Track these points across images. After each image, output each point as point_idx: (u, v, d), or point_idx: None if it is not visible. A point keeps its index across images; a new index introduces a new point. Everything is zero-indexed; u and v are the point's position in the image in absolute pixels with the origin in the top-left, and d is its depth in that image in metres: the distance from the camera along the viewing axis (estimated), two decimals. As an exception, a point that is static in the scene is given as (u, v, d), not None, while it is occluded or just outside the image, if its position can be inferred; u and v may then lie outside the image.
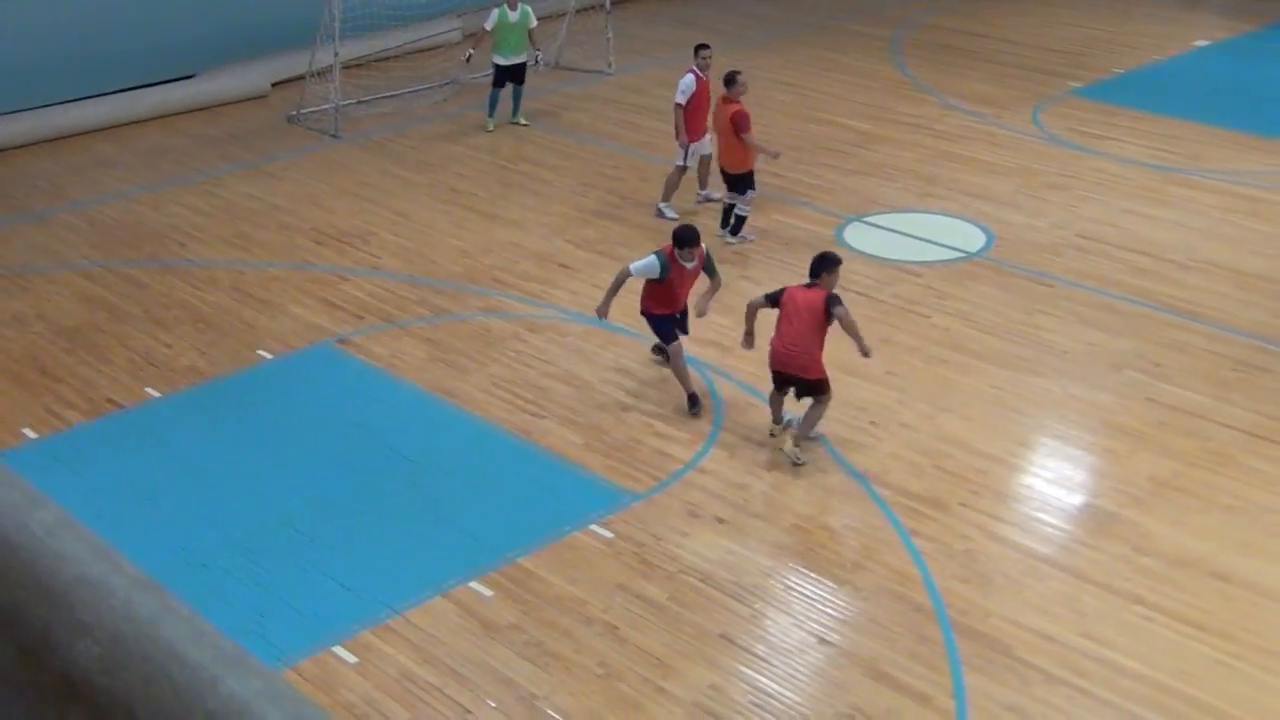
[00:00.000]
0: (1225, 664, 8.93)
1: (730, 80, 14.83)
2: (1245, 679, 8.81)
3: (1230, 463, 11.12)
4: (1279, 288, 14.15)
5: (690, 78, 15.50)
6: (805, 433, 11.18)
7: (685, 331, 12.03)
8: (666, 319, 11.83)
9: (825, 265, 11.09)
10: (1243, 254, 14.95)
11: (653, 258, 11.65)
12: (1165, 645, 9.09)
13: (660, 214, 15.92)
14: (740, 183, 15.02)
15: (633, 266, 11.76)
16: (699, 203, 16.19)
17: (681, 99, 15.44)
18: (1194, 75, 22.19)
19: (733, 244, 15.07)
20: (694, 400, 11.74)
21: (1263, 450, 11.28)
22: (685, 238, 11.57)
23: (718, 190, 15.93)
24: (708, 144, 15.77)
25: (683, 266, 11.63)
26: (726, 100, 14.84)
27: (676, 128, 15.57)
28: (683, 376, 11.78)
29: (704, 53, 15.62)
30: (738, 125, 14.66)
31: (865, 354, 11.20)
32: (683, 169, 15.79)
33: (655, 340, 12.31)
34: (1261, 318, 13.50)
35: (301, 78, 19.57)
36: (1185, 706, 8.56)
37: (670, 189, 15.93)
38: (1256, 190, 16.76)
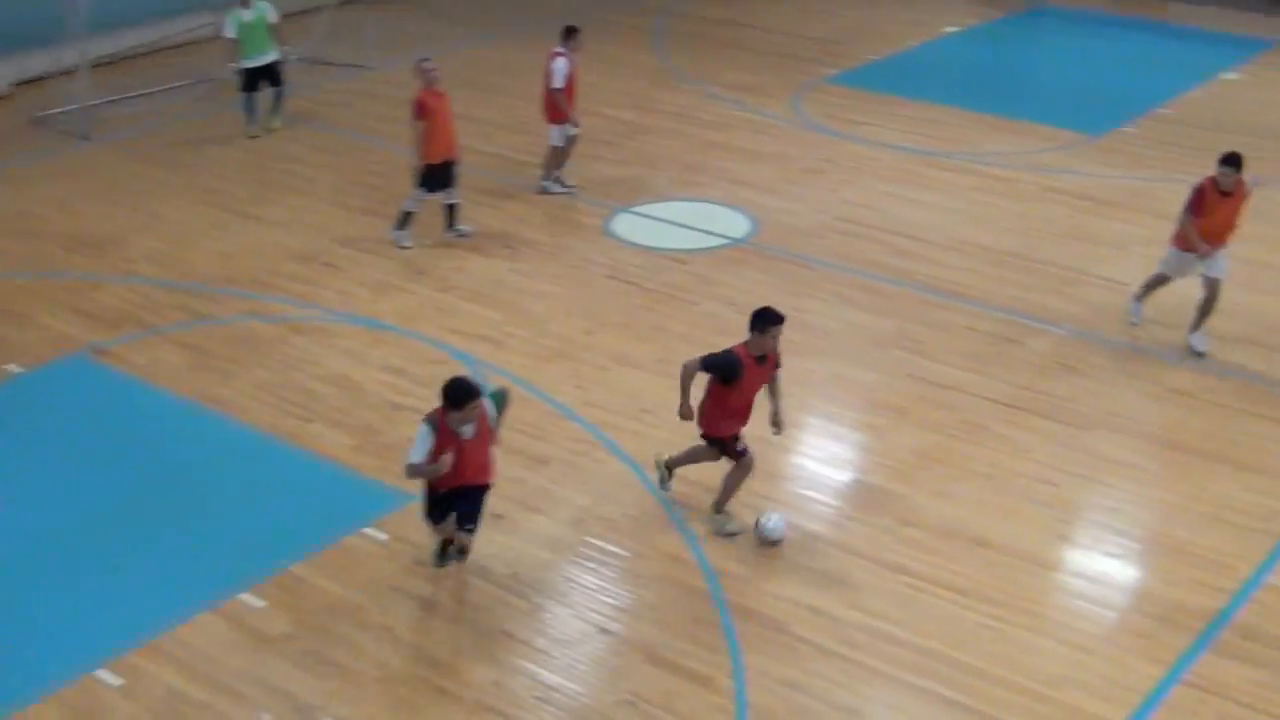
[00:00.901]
0: (990, 627, 9.25)
1: (421, 71, 14.40)
2: (1010, 640, 9.14)
3: (987, 433, 11.53)
4: (1031, 264, 14.71)
5: (563, 61, 15.70)
6: (721, 500, 10.25)
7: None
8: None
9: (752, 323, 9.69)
10: (996, 232, 15.50)
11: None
12: (933, 613, 9.37)
13: (545, 191, 16.30)
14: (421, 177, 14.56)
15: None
16: (537, 191, 16.37)
17: (559, 82, 15.67)
18: (944, 61, 22.93)
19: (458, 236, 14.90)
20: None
21: (1016, 420, 11.72)
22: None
23: (570, 179, 16.39)
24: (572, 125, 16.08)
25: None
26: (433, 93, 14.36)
27: (553, 108, 15.81)
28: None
29: (575, 36, 15.84)
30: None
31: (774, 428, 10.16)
32: (560, 148, 16.11)
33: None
34: (1015, 293, 14.02)
35: (46, 77, 18.76)
36: (955, 671, 8.84)
37: (551, 166, 16.29)
38: (1007, 171, 17.40)
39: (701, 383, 9.96)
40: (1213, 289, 12.76)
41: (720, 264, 14.61)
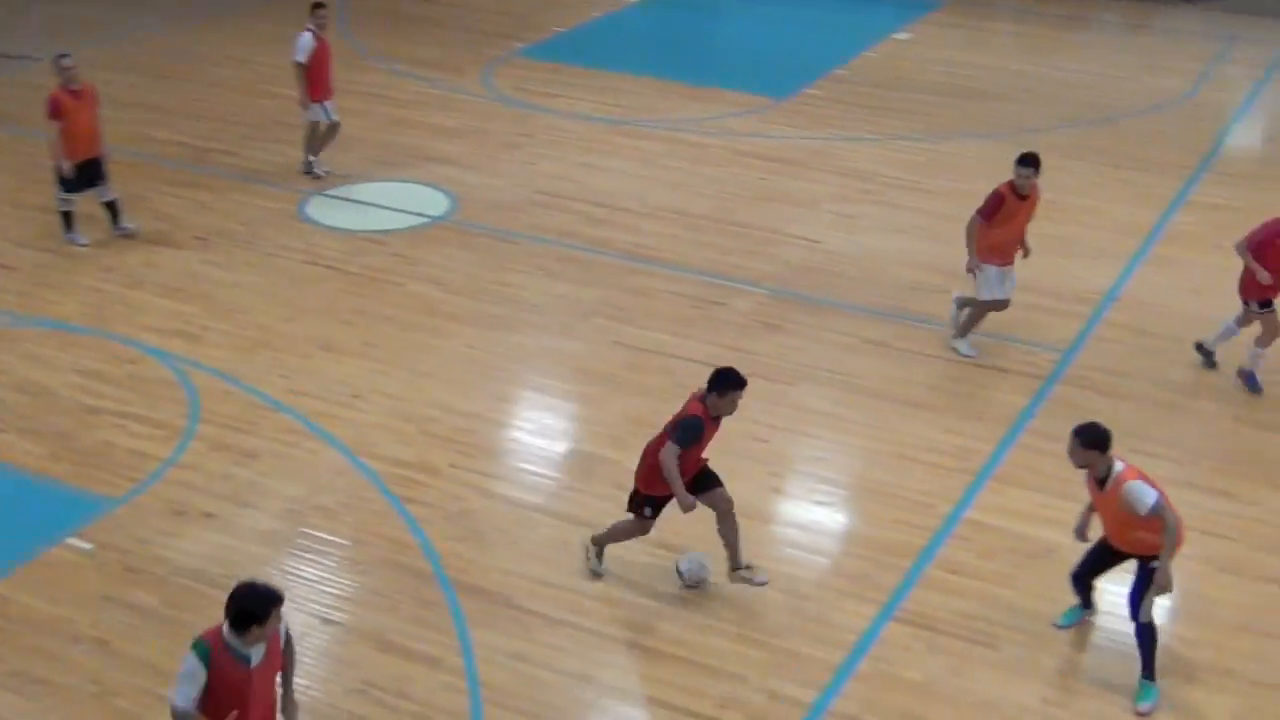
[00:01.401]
0: (712, 583, 9.45)
1: (59, 68, 13.72)
2: (733, 592, 9.35)
3: (697, 394, 11.76)
4: (727, 227, 15.05)
5: (308, 36, 15.35)
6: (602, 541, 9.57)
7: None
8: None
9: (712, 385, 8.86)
10: (691, 197, 15.79)
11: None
12: (657, 574, 9.51)
13: (310, 170, 15.89)
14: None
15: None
16: (305, 171, 15.95)
17: (301, 57, 15.28)
18: (629, 30, 23.23)
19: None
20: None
21: (724, 379, 12.00)
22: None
23: (325, 165, 15.99)
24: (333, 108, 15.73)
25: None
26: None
27: (300, 86, 15.40)
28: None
29: (320, 12, 15.45)
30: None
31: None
32: (318, 124, 15.77)
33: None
34: (712, 255, 14.32)
35: None
36: (680, 628, 9.00)
37: (314, 144, 15.89)
38: (697, 136, 17.74)
39: (639, 436, 9.69)
40: (995, 309, 12.34)
41: (421, 243, 14.46)
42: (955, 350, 12.50)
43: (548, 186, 16.02)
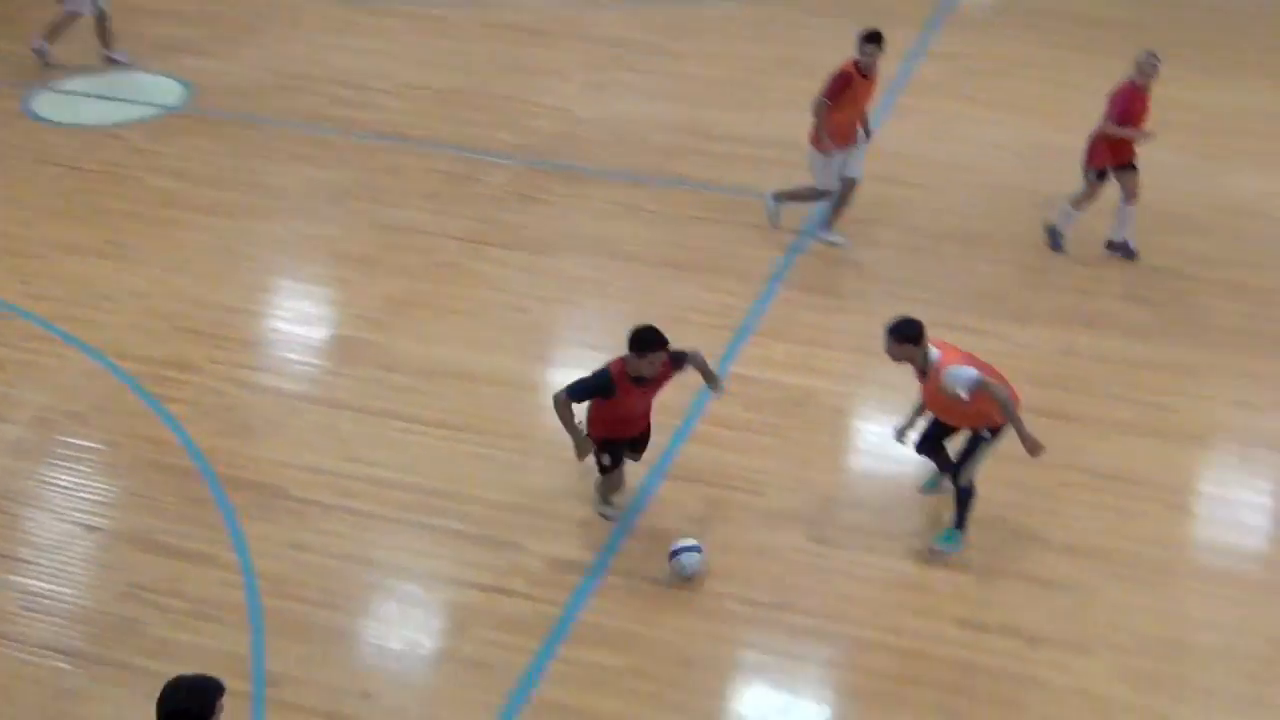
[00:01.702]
0: (485, 456, 9.47)
1: None
2: (505, 465, 9.38)
3: (456, 270, 11.66)
4: (478, 100, 14.83)
5: None
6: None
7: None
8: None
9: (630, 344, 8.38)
10: (440, 72, 15.50)
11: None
12: (427, 452, 9.47)
13: (39, 53, 15.19)
14: None
15: None
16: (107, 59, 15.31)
17: None
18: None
19: None
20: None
21: (483, 254, 11.91)
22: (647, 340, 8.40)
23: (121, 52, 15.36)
24: None
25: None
26: None
27: None
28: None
29: None
30: None
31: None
32: (78, 14, 15.10)
33: None
34: (464, 130, 14.12)
35: None
36: (457, 503, 9.00)
37: (55, 30, 15.16)
38: (442, 10, 17.36)
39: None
40: (850, 189, 12.08)
41: (161, 134, 13.88)
42: (831, 244, 12.17)
43: (290, 69, 15.51)
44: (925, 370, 8.31)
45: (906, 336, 8.27)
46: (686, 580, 8.41)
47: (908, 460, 9.29)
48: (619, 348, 10.34)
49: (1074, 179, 12.10)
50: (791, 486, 9.27)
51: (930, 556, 8.65)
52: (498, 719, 7.45)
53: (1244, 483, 9.60)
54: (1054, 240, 12.29)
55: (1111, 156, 11.83)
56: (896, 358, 8.37)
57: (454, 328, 10.88)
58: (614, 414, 8.60)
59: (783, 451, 9.62)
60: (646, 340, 8.27)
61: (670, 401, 10.00)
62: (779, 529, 8.90)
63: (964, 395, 8.12)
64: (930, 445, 8.90)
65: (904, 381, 10.17)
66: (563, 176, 13.29)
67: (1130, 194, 11.93)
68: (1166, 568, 8.71)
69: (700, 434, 9.76)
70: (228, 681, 5.64)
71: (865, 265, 11.99)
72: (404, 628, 8.09)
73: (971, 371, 8.14)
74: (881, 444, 9.61)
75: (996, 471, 8.97)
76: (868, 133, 12.05)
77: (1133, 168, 11.91)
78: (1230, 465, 9.79)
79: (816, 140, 11.76)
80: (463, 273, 11.63)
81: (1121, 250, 12.20)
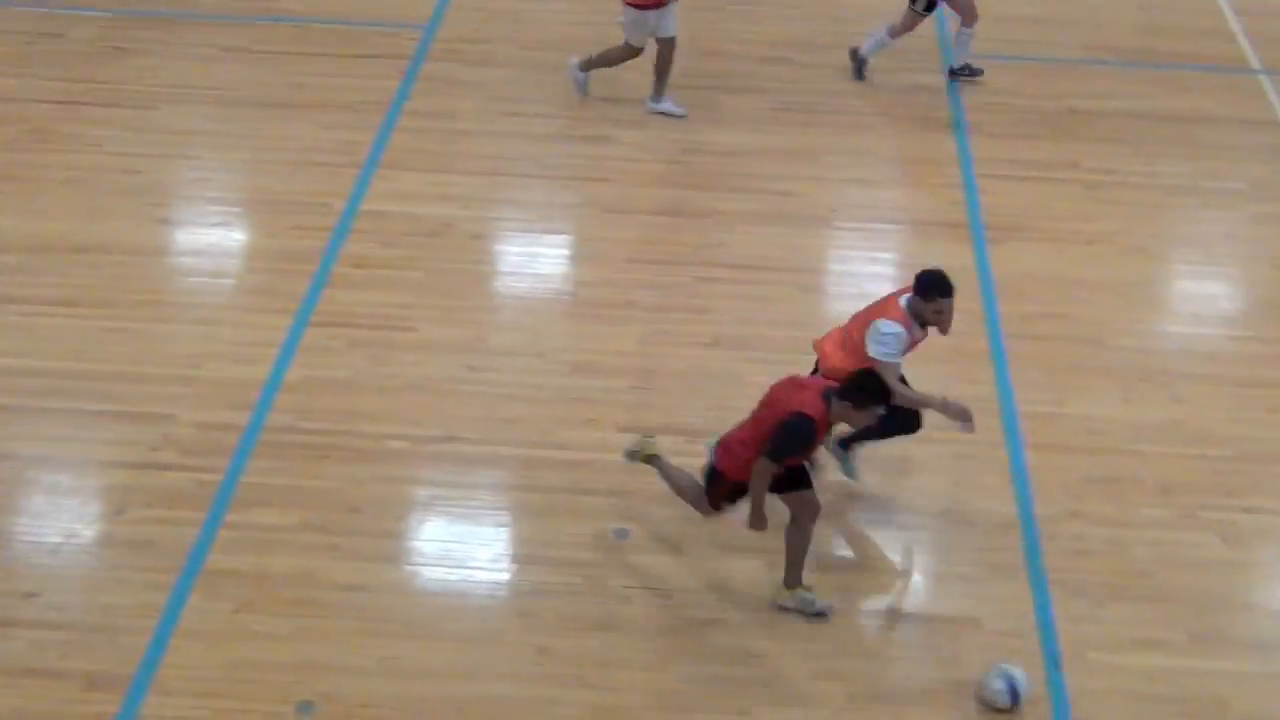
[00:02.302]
0: (114, 329, 9.02)
1: None
2: (138, 336, 8.97)
3: (55, 136, 10.92)
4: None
5: None
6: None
7: None
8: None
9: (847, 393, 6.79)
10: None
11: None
12: (52, 333, 8.95)
13: None
14: None
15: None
16: None
17: None
18: None
19: None
20: None
21: (81, 115, 11.19)
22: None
23: None
24: None
25: None
26: None
27: None
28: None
29: None
30: None
31: None
32: None
33: None
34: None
35: None
36: (94, 382, 8.57)
37: None
38: None
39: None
40: (669, 49, 11.22)
41: None
42: (667, 114, 11.37)
43: None
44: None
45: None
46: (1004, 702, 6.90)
47: (553, 276, 9.40)
48: (245, 198, 9.99)
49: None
50: (440, 318, 9.21)
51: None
52: (171, 595, 7.23)
53: (868, 256, 10.12)
54: (859, 67, 12.03)
55: None
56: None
57: (61, 199, 10.21)
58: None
59: (427, 284, 9.53)
60: (880, 393, 6.76)
61: (302, 248, 9.77)
62: (434, 361, 8.86)
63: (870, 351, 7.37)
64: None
65: (538, 199, 10.26)
66: (154, 23, 12.50)
67: (969, 16, 11.75)
68: (803, 346, 9.08)
69: (340, 277, 9.55)
70: None
71: (485, 85, 11.84)
72: (58, 519, 7.71)
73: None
74: (526, 263, 9.67)
75: (636, 275, 9.16)
76: None
77: None
78: (853, 241, 10.28)
79: None
80: (61, 138, 10.90)
81: (967, 72, 12.06)
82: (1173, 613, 7.35)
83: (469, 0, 13.00)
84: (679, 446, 8.08)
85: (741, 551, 7.56)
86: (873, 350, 7.31)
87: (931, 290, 7.33)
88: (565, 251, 10.02)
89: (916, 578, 7.69)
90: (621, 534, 7.70)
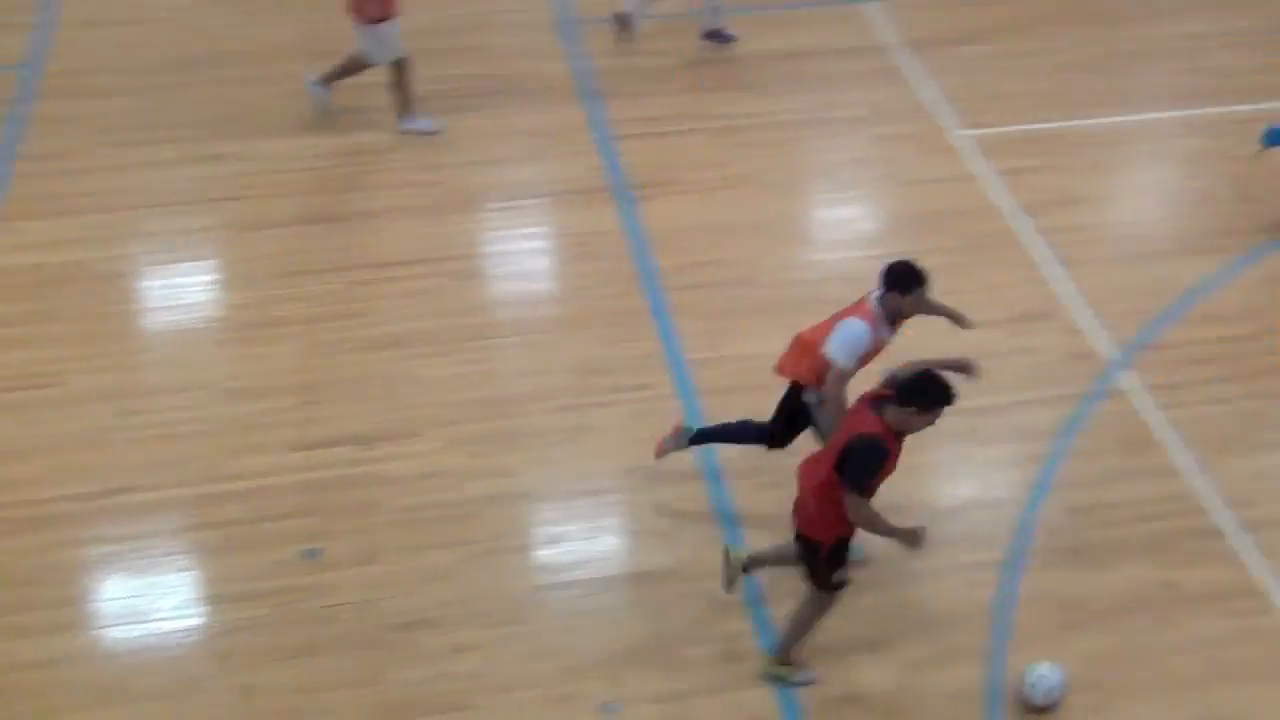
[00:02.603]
0: None
1: None
2: None
3: None
4: None
5: None
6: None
7: None
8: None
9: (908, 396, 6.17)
10: None
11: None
12: None
13: None
14: None
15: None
16: None
17: None
18: None
19: None
20: None
21: None
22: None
23: None
24: None
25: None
26: None
27: None
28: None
29: None
30: None
31: None
32: None
33: None
34: None
35: None
36: None
37: None
38: None
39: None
40: (406, 64, 10.84)
41: None
42: (423, 133, 10.94)
43: None
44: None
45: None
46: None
47: (200, 304, 9.14)
48: None
49: None
50: (88, 367, 8.78)
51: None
52: None
53: (519, 234, 10.13)
54: (623, 25, 11.92)
55: None
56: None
57: None
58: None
59: (68, 334, 9.05)
60: (945, 395, 6.14)
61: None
62: (88, 413, 8.43)
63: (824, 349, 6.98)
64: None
65: (172, 228, 9.90)
66: None
67: None
68: (469, 334, 9.07)
69: (-23, 339, 9.01)
70: None
71: (103, 116, 11.29)
72: None
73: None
74: (169, 296, 9.36)
75: (285, 290, 8.94)
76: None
77: None
78: (502, 221, 10.26)
79: (359, 9, 10.48)
80: None
81: (718, 38, 12.21)
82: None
83: (73, 32, 12.39)
84: (356, 455, 7.95)
85: (437, 548, 7.50)
86: (830, 348, 6.83)
87: (909, 281, 6.85)
88: (208, 277, 9.69)
89: (612, 540, 7.76)
90: (311, 554, 7.51)
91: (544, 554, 7.59)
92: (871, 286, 7.04)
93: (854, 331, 6.84)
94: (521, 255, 9.86)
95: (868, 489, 6.12)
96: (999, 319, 9.04)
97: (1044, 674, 6.69)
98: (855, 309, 6.99)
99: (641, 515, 7.83)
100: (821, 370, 6.97)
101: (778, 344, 8.25)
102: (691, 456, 7.98)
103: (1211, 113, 11.36)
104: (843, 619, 6.96)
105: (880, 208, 10.48)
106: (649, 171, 10.65)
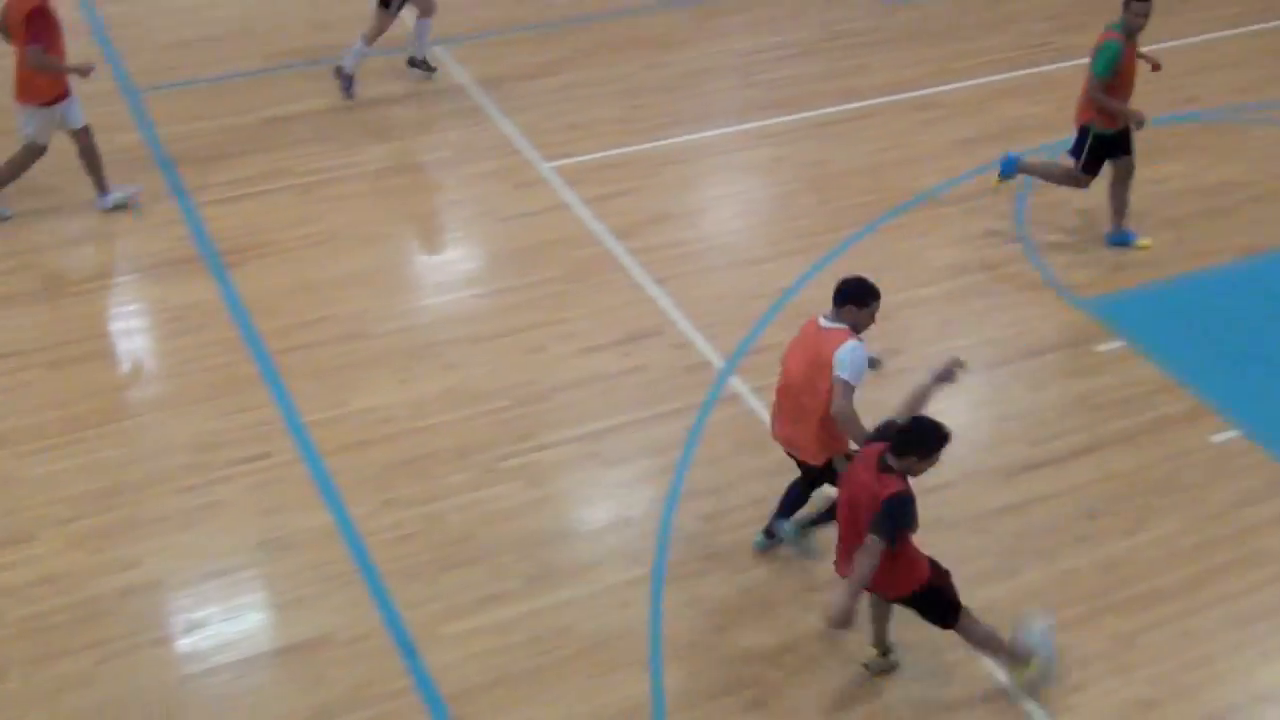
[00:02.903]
0: None
1: None
2: None
3: None
4: None
5: None
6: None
7: None
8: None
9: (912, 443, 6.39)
10: None
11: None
12: None
13: None
14: None
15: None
16: None
17: None
18: None
19: None
20: None
21: None
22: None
23: None
24: None
25: None
26: None
27: None
28: None
29: None
30: None
31: None
32: None
33: None
34: None
35: None
36: None
37: None
38: None
39: None
40: (90, 139, 10.49)
41: None
42: (125, 205, 10.61)
43: None
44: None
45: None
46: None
47: None
48: None
49: None
50: None
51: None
52: None
53: (111, 314, 9.69)
54: (347, 85, 12.21)
55: None
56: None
57: None
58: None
59: None
60: (942, 438, 6.41)
61: None
62: None
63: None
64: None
65: None
66: None
67: (427, 8, 12.32)
68: (74, 424, 8.55)
69: None
70: None
71: None
72: None
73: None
74: None
75: None
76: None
77: None
78: (89, 305, 9.75)
79: (25, 93, 10.14)
80: None
81: (422, 67, 12.55)
82: (502, 564, 7.64)
83: None
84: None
85: (70, 654, 7.05)
86: (845, 372, 6.99)
87: (867, 295, 7.13)
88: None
89: (255, 616, 7.47)
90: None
91: (186, 642, 7.23)
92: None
93: (857, 353, 7.05)
94: (118, 336, 9.42)
95: (892, 541, 6.33)
96: (611, 341, 9.28)
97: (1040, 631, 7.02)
98: (830, 340, 7.06)
99: (280, 586, 7.57)
100: (823, 435, 7.21)
101: (398, 394, 8.20)
102: (321, 516, 7.84)
103: (777, 122, 12.03)
104: (503, 657, 6.98)
105: (481, 246, 10.56)
106: (238, 236, 10.38)
